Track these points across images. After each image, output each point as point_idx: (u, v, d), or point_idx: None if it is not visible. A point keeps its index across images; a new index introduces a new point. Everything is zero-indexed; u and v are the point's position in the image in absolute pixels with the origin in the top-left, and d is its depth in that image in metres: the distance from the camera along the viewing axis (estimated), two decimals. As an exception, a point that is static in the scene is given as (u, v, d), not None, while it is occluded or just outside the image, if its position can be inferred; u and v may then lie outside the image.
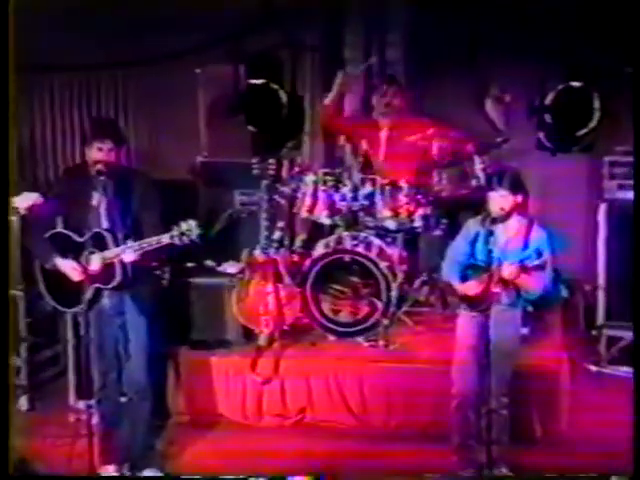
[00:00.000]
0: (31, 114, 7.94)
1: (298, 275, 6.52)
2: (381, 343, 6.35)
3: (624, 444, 5.12)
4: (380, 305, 6.34)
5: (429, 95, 7.35)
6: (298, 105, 7.32)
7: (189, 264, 6.92)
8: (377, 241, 6.59)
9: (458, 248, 5.42)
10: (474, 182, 6.69)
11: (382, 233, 6.65)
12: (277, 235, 6.80)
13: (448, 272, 5.45)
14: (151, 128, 8.02)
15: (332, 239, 6.60)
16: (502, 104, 7.14)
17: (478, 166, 6.67)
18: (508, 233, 5.30)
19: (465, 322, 5.40)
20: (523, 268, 5.08)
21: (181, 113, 7.83)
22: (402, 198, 6.54)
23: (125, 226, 5.15)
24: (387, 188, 6.57)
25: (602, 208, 6.76)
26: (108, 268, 5.13)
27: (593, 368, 6.75)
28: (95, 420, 5.37)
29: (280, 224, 6.88)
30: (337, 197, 6.60)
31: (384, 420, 6.05)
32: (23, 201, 6.63)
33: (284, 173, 6.74)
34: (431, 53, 7.39)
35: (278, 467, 5.40)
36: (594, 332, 6.84)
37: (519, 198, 5.23)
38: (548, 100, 6.70)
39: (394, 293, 6.31)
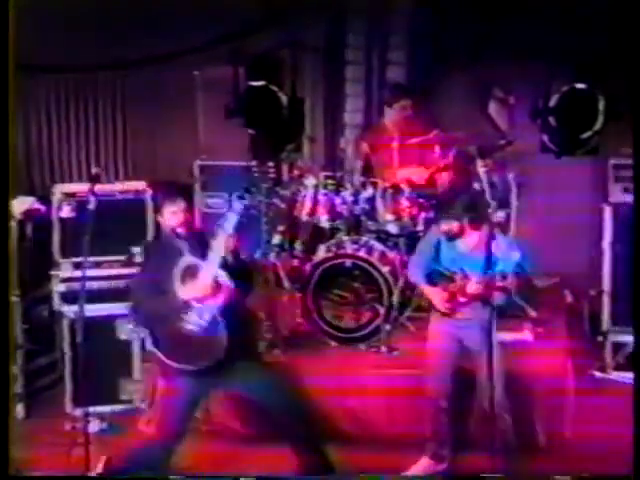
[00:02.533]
0: (26, 115, 7.92)
1: (299, 280, 6.51)
2: (383, 349, 6.30)
3: (628, 451, 5.04)
4: (382, 310, 6.30)
5: (432, 97, 7.38)
6: (298, 107, 7.31)
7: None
8: (379, 245, 6.58)
9: (423, 251, 5.59)
10: (477, 185, 6.64)
11: (384, 237, 6.67)
12: (277, 239, 6.82)
13: (413, 274, 5.62)
14: (149, 130, 8.03)
15: (333, 243, 6.58)
16: (506, 106, 7.22)
17: (481, 169, 6.64)
18: (468, 244, 5.42)
19: (436, 327, 5.53)
20: (488, 287, 5.18)
21: (179, 115, 7.90)
22: (404, 201, 6.57)
23: None
24: (389, 191, 6.59)
25: (607, 211, 6.70)
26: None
27: (598, 375, 6.70)
28: (92, 428, 5.39)
29: (280, 228, 6.91)
30: (338, 200, 6.63)
31: (386, 426, 5.97)
32: (19, 205, 6.65)
33: (284, 176, 6.86)
34: (434, 54, 7.43)
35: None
36: (599, 338, 6.77)
37: (465, 222, 5.35)
38: (552, 102, 6.66)
39: (396, 298, 6.28)
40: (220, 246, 4.96)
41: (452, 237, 5.41)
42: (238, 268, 5.06)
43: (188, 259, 5.03)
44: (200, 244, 5.12)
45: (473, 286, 5.22)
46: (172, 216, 5.14)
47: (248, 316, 5.55)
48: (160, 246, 5.30)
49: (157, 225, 5.46)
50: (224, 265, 4.99)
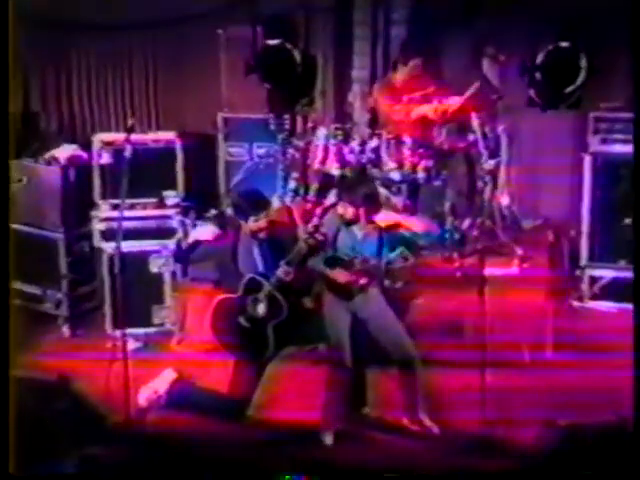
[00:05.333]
0: (69, 71, 8.13)
1: (311, 222, 6.60)
2: (386, 282, 6.42)
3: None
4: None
5: (430, 55, 7.35)
6: (311, 64, 7.46)
7: (213, 211, 7.33)
8: (383, 191, 6.69)
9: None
10: (471, 136, 6.94)
11: (388, 184, 6.83)
12: (292, 185, 7.12)
13: (312, 262, 5.61)
14: (178, 85, 8.15)
15: None
16: (497, 63, 7.25)
17: (475, 121, 6.88)
18: (363, 229, 5.55)
19: (332, 306, 5.61)
20: (388, 268, 5.46)
21: (205, 71, 8.03)
22: (406, 151, 6.74)
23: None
24: (392, 142, 6.77)
25: (587, 160, 6.97)
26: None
27: (576, 304, 7.06)
28: (130, 347, 5.75)
29: (295, 175, 7.20)
30: (346, 150, 6.82)
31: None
32: (62, 152, 7.08)
33: (298, 128, 7.03)
34: (433, 14, 7.48)
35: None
36: (577, 272, 7.11)
37: (362, 211, 5.46)
38: (539, 59, 6.83)
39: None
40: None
41: (347, 222, 5.49)
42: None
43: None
44: (270, 248, 5.67)
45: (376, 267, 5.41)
46: (254, 224, 5.66)
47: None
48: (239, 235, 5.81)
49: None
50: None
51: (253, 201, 5.78)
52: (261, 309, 5.66)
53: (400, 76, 7.00)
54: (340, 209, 5.56)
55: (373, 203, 5.54)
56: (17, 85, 7.63)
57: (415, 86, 6.95)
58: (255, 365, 5.72)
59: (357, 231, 5.57)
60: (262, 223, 5.69)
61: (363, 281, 5.49)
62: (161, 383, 5.82)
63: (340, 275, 5.51)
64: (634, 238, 6.11)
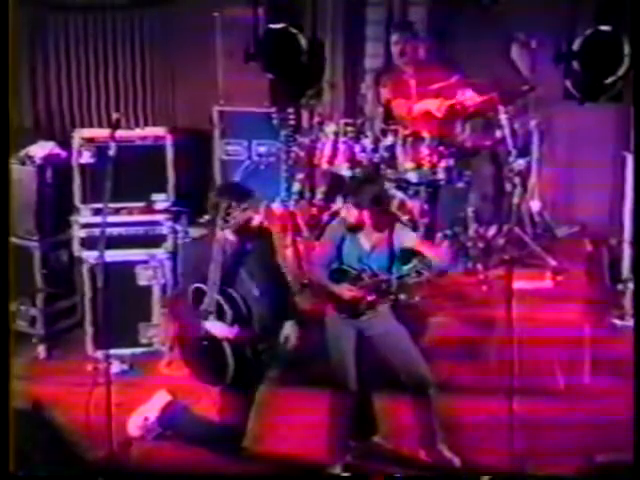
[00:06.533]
0: (46, 59, 8.15)
1: (317, 228, 6.84)
2: (402, 297, 6.48)
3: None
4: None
5: (452, 41, 7.54)
6: (319, 51, 7.29)
7: (207, 217, 7.36)
8: (398, 194, 6.87)
9: (325, 250, 5.61)
10: (498, 133, 6.99)
11: (403, 185, 6.91)
12: (296, 187, 7.18)
13: (317, 274, 5.66)
14: (168, 75, 8.23)
15: None
16: (528, 50, 7.30)
17: (503, 116, 6.93)
18: (370, 240, 5.50)
19: (334, 323, 5.61)
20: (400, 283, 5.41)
21: (198, 59, 8.05)
22: (424, 149, 6.80)
23: None
24: (409, 139, 6.83)
25: (629, 159, 6.92)
26: None
27: (617, 322, 6.97)
28: (113, 369, 5.83)
29: (299, 176, 7.26)
30: (357, 148, 6.88)
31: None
32: (39, 150, 7.09)
33: (304, 123, 7.10)
34: None
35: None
36: (619, 286, 7.04)
37: (366, 214, 5.38)
38: (576, 46, 6.63)
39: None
40: None
41: (351, 228, 5.44)
42: None
43: None
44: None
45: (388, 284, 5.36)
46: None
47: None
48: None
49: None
50: None
51: (234, 191, 5.74)
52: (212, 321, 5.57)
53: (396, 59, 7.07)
54: (343, 212, 5.52)
55: (381, 206, 5.47)
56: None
57: (426, 76, 7.01)
58: (241, 391, 5.68)
59: (364, 241, 5.51)
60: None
61: (371, 298, 5.46)
62: (152, 408, 5.85)
63: (346, 291, 5.47)
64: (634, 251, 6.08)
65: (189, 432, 5.82)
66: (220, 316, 5.52)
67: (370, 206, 5.39)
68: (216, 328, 5.52)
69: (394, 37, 7.14)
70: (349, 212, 5.44)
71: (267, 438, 5.74)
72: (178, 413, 5.89)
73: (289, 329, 5.64)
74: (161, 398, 5.92)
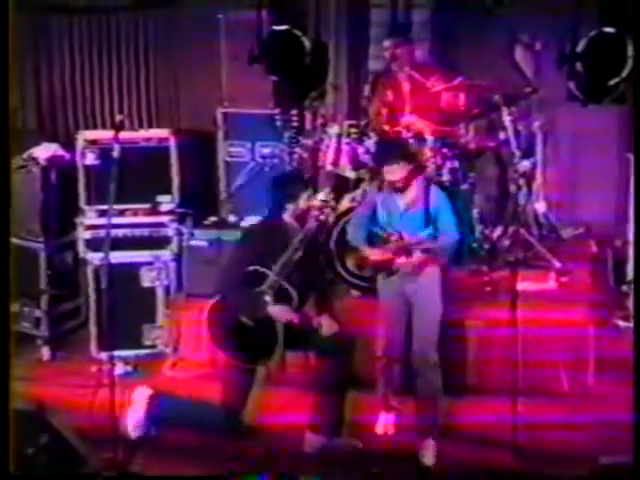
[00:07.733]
0: (50, 61, 8.15)
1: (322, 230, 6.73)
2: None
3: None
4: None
5: (456, 43, 7.52)
6: (322, 53, 7.50)
7: (212, 218, 7.39)
8: None
9: (361, 212, 5.89)
10: (502, 134, 6.96)
11: None
12: None
13: (353, 237, 5.91)
14: (172, 76, 8.22)
15: (358, 193, 6.78)
16: (532, 52, 7.28)
17: (506, 117, 6.90)
18: (406, 200, 5.70)
19: (382, 285, 5.81)
20: (425, 251, 5.55)
21: (202, 61, 8.04)
22: (427, 151, 6.75)
23: None
24: (412, 141, 6.73)
25: (633, 161, 6.87)
26: None
27: (622, 323, 6.94)
28: (117, 371, 5.80)
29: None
30: (361, 150, 6.85)
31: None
32: (43, 151, 7.13)
33: (307, 125, 7.06)
34: None
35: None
36: (624, 287, 7.05)
37: (405, 170, 5.59)
38: (579, 48, 6.79)
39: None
40: None
41: (395, 189, 5.64)
42: None
43: None
44: None
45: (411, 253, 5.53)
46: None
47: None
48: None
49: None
50: None
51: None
52: (269, 301, 5.64)
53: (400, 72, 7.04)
54: (388, 175, 5.64)
55: (413, 161, 5.69)
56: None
57: (420, 80, 6.98)
58: (246, 371, 5.74)
59: (400, 202, 5.68)
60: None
61: (401, 260, 5.56)
62: (136, 406, 5.79)
63: (372, 253, 5.67)
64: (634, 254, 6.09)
65: (184, 418, 5.80)
66: (282, 300, 5.63)
67: (404, 162, 5.59)
68: (280, 312, 5.62)
69: (385, 42, 7.13)
70: (394, 174, 5.58)
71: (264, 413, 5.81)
72: (167, 403, 5.87)
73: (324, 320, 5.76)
74: (142, 393, 5.85)
